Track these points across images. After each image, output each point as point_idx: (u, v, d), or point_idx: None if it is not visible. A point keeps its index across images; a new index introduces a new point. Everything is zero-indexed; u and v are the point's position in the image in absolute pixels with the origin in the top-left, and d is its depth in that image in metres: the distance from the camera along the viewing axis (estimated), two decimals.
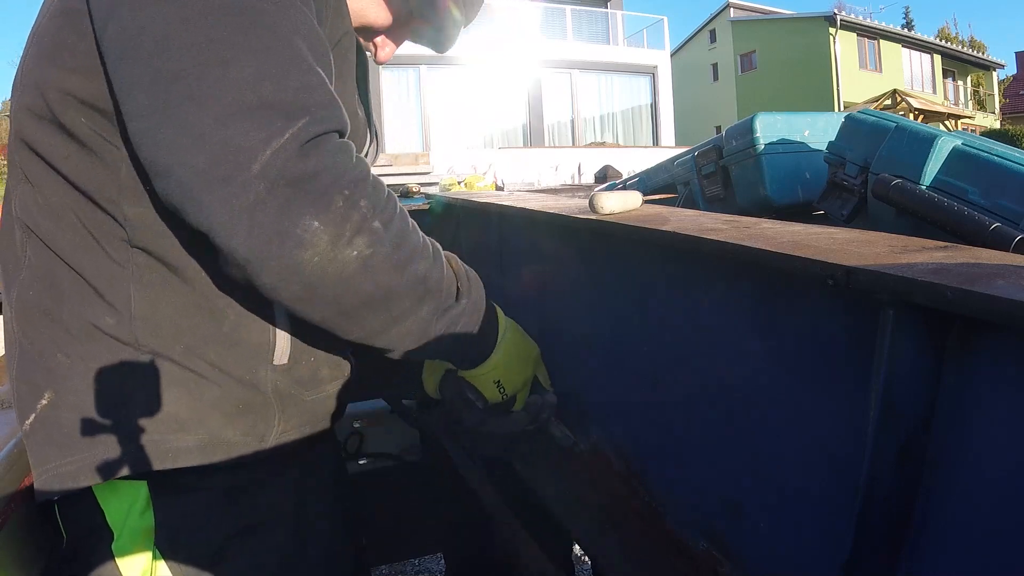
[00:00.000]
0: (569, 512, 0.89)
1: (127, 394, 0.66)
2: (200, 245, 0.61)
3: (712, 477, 0.72)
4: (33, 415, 0.66)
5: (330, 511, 0.83)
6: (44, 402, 0.66)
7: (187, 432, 0.66)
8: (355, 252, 0.58)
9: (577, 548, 1.45)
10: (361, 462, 1.34)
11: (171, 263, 0.65)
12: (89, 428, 0.66)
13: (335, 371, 0.78)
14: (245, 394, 0.69)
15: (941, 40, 25.87)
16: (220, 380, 0.68)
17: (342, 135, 0.60)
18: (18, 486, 0.75)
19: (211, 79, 0.53)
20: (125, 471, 0.65)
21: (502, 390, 0.84)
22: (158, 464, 0.65)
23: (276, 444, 0.72)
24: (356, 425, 1.33)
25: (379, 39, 0.82)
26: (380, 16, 0.78)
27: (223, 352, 0.68)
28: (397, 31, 0.82)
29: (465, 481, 1.06)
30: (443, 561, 1.94)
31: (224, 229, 0.54)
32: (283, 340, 0.71)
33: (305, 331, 0.72)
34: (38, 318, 0.66)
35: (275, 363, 0.70)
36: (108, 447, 0.65)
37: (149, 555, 0.67)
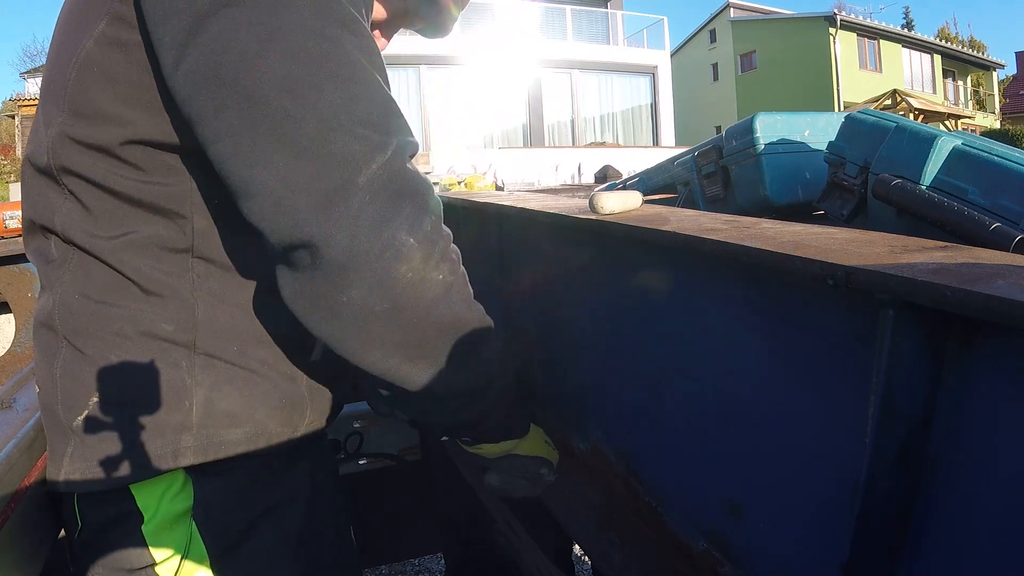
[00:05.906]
0: (569, 512, 0.89)
1: (183, 393, 0.68)
2: (258, 254, 0.66)
3: (712, 477, 0.72)
4: (86, 411, 0.67)
5: (335, 501, 0.88)
6: (96, 399, 0.66)
7: (237, 426, 0.70)
8: (440, 276, 0.59)
9: (577, 548, 1.45)
10: (361, 462, 1.34)
11: (230, 270, 0.69)
12: (145, 427, 0.67)
13: (347, 367, 0.83)
14: (288, 388, 0.73)
15: (941, 40, 25.87)
16: (270, 375, 0.72)
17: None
18: (18, 486, 0.75)
19: (307, 100, 0.53)
20: (178, 463, 0.67)
21: (550, 445, 0.89)
22: (210, 456, 0.68)
23: (304, 433, 0.77)
24: (356, 425, 1.33)
25: (374, 33, 0.82)
26: (377, 11, 0.78)
27: (274, 350, 0.72)
28: (390, 27, 0.82)
29: (465, 481, 1.05)
30: (443, 561, 1.94)
31: (324, 238, 0.54)
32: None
33: None
34: (86, 324, 0.67)
35: (312, 359, 0.75)
36: (163, 444, 0.67)
37: (181, 535, 0.68)
